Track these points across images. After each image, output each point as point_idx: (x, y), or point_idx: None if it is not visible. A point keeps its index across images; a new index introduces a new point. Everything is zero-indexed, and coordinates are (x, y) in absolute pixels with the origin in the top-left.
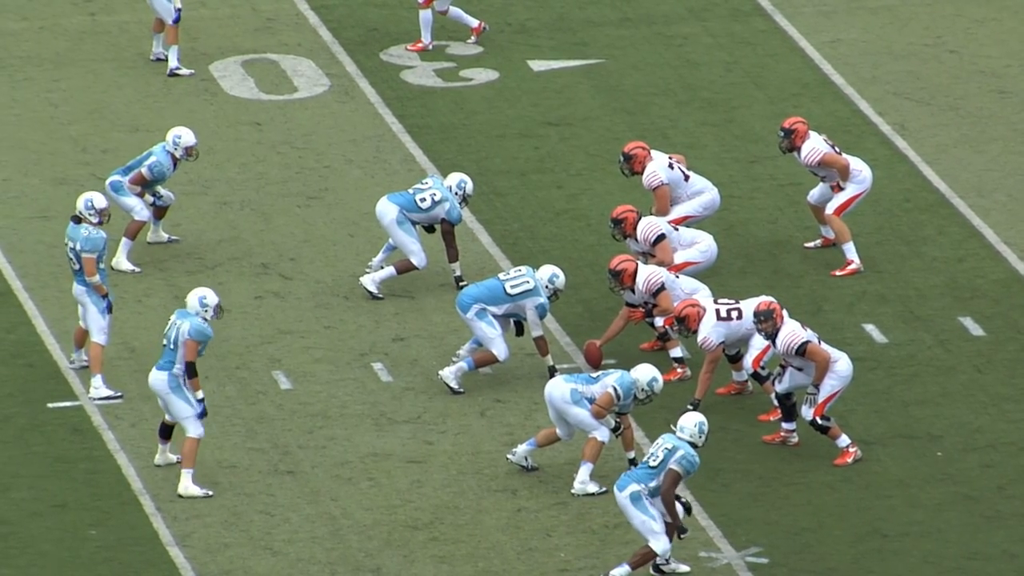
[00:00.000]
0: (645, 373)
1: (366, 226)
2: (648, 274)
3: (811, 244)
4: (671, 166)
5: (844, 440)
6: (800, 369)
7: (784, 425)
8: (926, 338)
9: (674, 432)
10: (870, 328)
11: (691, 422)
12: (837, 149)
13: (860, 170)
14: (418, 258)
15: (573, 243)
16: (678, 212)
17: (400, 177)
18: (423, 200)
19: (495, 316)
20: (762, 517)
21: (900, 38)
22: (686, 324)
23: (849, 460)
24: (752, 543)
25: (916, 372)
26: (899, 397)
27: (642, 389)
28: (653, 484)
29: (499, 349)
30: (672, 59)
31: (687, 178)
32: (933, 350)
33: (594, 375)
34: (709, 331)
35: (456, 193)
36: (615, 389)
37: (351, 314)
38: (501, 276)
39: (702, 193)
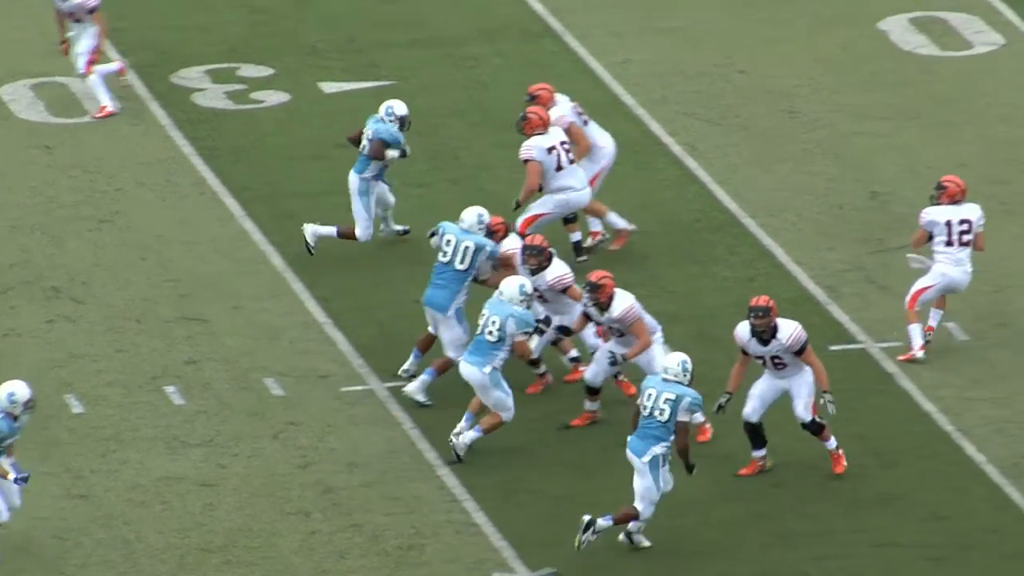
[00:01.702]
0: (511, 287)
1: (158, 249)
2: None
3: (590, 244)
4: (550, 150)
5: (832, 442)
6: (781, 379)
7: (756, 453)
8: (719, 358)
9: (659, 376)
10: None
11: (675, 361)
12: (585, 120)
13: (604, 146)
14: (362, 228)
15: (365, 264)
16: (536, 208)
17: (191, 200)
18: (363, 148)
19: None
20: (556, 538)
21: (690, 58)
22: (599, 293)
23: (841, 468)
24: (546, 564)
25: (709, 391)
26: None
27: (521, 299)
28: (670, 442)
29: (458, 353)
30: (463, 80)
31: (559, 168)
32: (726, 369)
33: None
34: (631, 300)
35: (390, 120)
36: (514, 320)
37: (143, 337)
38: (441, 259)
39: (564, 190)
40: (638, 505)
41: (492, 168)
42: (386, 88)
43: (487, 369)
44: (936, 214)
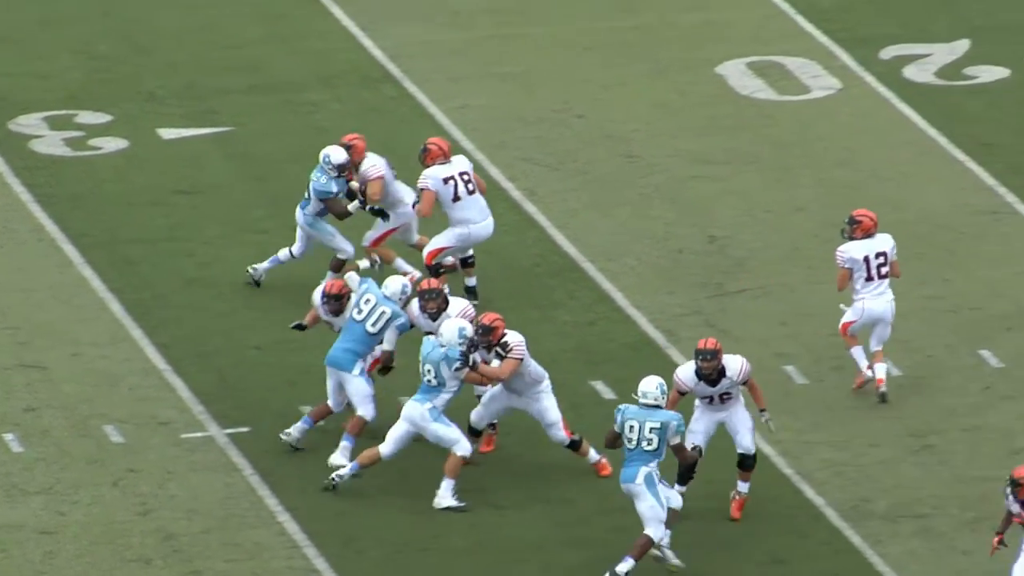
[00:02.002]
0: (450, 329)
1: None
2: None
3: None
4: (447, 180)
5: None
6: (719, 412)
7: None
8: (558, 403)
9: (637, 402)
10: None
11: (652, 386)
12: (395, 174)
13: (408, 203)
14: (340, 243)
15: (205, 311)
16: (438, 241)
17: (29, 247)
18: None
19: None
20: None
21: (529, 104)
22: (492, 335)
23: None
24: None
25: (547, 441)
26: (534, 461)
27: (460, 342)
28: (657, 463)
29: (368, 409)
30: (302, 126)
31: (456, 199)
32: (566, 415)
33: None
34: (520, 338)
35: (328, 169)
36: (446, 363)
37: None
38: (355, 316)
39: (463, 223)
40: (648, 531)
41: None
42: (225, 134)
43: (427, 405)
44: (854, 251)
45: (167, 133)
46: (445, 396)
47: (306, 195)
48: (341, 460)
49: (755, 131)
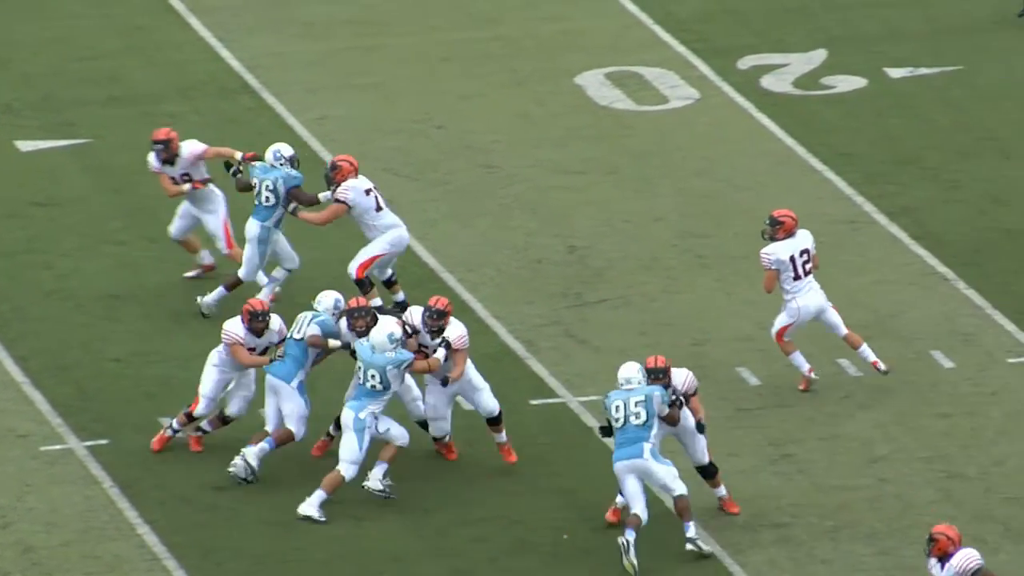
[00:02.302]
0: (380, 334)
1: None
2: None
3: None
4: (368, 192)
5: (722, 490)
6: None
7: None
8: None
9: (622, 388)
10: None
11: (633, 370)
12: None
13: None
14: (248, 270)
15: (63, 323)
16: (368, 251)
17: None
18: (266, 199)
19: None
20: None
21: (388, 114)
22: (445, 320)
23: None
24: None
25: (407, 449)
26: (390, 471)
27: (392, 346)
28: (654, 434)
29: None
30: None
31: (379, 208)
32: (416, 426)
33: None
34: (464, 329)
35: (280, 164)
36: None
37: None
38: (295, 335)
39: (391, 229)
40: (678, 491)
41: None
42: (82, 146)
43: (362, 414)
44: (780, 251)
45: (24, 145)
46: (385, 399)
47: (262, 202)
48: (254, 458)
49: (614, 141)
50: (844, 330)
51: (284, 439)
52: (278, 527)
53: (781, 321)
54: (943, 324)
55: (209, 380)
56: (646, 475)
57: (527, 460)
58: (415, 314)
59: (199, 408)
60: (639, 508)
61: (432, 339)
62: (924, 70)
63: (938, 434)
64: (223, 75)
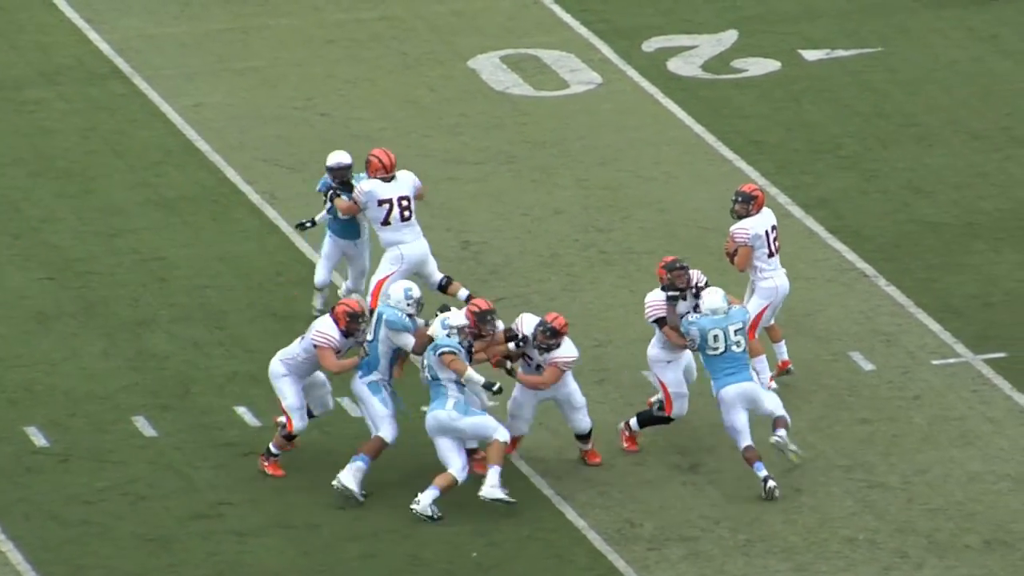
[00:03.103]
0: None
1: None
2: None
3: None
4: (381, 203)
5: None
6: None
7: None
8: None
9: (708, 318)
10: (242, 411)
11: (719, 297)
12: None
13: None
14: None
15: None
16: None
17: None
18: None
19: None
20: None
21: (268, 101)
22: (560, 337)
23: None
24: None
25: (292, 457)
26: (274, 484)
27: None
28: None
29: (388, 430)
30: (24, 126)
31: (386, 223)
32: (309, 433)
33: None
34: (577, 352)
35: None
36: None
37: None
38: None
39: (393, 246)
40: (780, 413)
41: (56, 220)
42: None
43: (449, 404)
44: (756, 226)
45: None
46: (454, 389)
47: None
48: (352, 483)
49: (510, 129)
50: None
51: (377, 449)
52: (153, 543)
53: (756, 306)
54: (862, 323)
55: (290, 392)
56: (755, 401)
57: (418, 471)
58: (526, 321)
59: (295, 424)
60: (745, 440)
61: (540, 354)
62: (841, 52)
63: (857, 441)
64: (91, 59)
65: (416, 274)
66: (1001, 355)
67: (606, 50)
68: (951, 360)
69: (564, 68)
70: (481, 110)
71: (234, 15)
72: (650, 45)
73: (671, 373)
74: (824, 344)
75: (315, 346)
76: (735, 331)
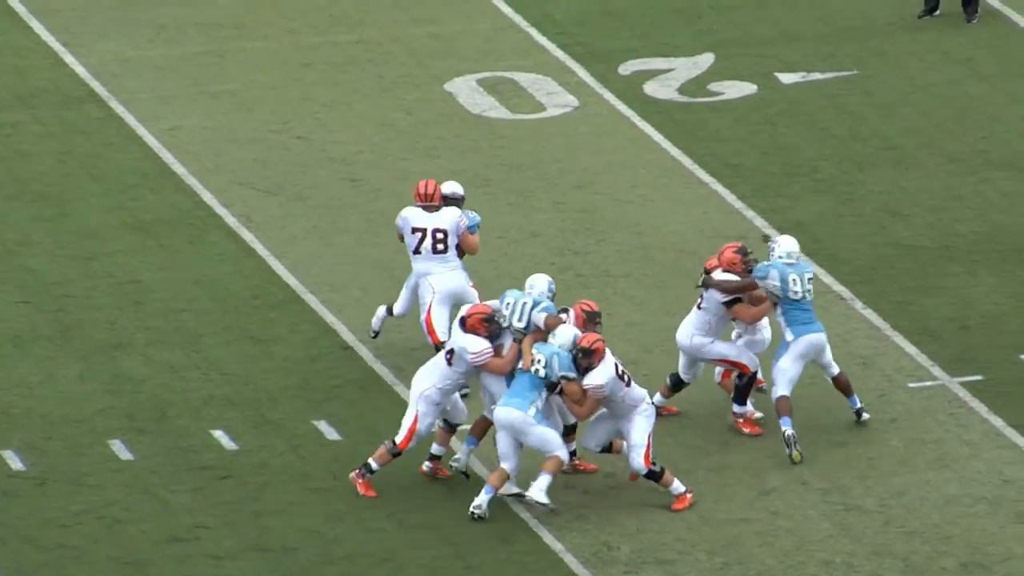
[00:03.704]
0: (564, 334)
1: None
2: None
3: None
4: (414, 231)
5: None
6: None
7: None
8: (278, 444)
9: (780, 263)
10: (219, 434)
11: (794, 243)
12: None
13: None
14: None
15: None
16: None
17: None
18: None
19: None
20: None
21: (244, 124)
22: (592, 358)
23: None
24: None
25: (268, 480)
26: (251, 508)
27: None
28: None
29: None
30: (0, 150)
31: (417, 251)
32: (286, 456)
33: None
34: (606, 379)
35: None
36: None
37: None
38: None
39: (420, 277)
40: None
41: (32, 244)
42: None
43: (531, 411)
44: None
45: None
46: (544, 396)
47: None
48: (460, 463)
49: (487, 152)
50: None
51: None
52: (129, 566)
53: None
54: (839, 346)
55: (427, 417)
56: (821, 352)
57: (395, 493)
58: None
59: (410, 443)
60: (784, 390)
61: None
62: (817, 75)
63: (834, 464)
64: (67, 82)
65: (456, 305)
66: (977, 378)
67: (583, 73)
68: (928, 383)
69: (541, 91)
70: (458, 133)
71: (210, 38)
72: (626, 68)
73: (720, 345)
74: None
75: (480, 367)
76: (808, 279)
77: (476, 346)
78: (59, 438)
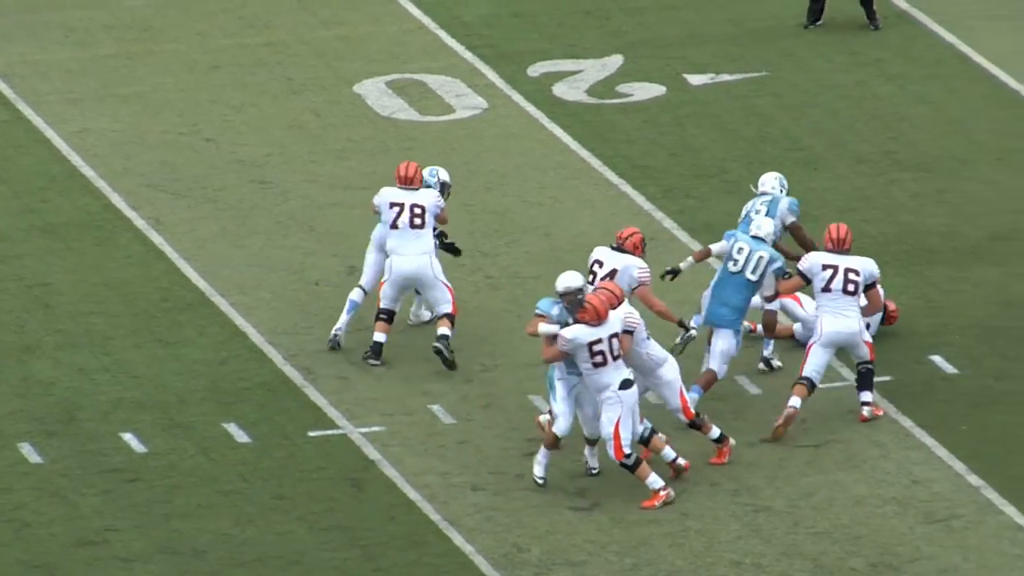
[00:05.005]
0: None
1: None
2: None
3: None
4: (392, 205)
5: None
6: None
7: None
8: (188, 446)
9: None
10: (128, 437)
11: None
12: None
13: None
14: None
15: None
16: None
17: None
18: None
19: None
20: None
21: (153, 127)
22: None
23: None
24: None
25: (178, 483)
26: (160, 511)
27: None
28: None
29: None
30: None
31: (394, 226)
32: (196, 459)
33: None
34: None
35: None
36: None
37: None
38: (731, 268)
39: (390, 255)
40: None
41: None
42: None
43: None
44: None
45: None
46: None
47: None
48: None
49: (396, 154)
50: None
51: (710, 382)
52: (38, 569)
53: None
54: (749, 348)
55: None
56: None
57: (303, 496)
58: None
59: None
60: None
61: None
62: (726, 77)
63: (744, 465)
64: None
65: (407, 288)
66: (886, 379)
67: (492, 75)
68: (836, 384)
69: (450, 93)
70: (367, 135)
71: (119, 41)
72: (535, 70)
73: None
74: None
75: (629, 330)
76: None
77: (630, 317)
78: None
